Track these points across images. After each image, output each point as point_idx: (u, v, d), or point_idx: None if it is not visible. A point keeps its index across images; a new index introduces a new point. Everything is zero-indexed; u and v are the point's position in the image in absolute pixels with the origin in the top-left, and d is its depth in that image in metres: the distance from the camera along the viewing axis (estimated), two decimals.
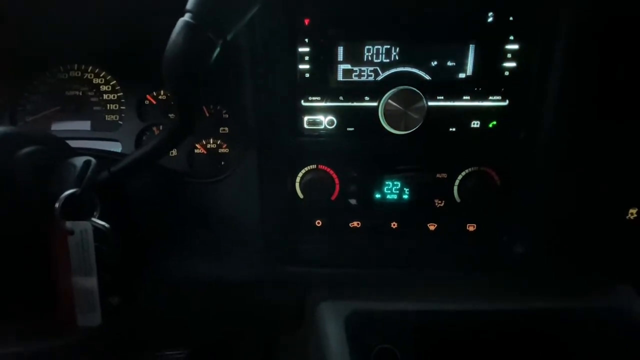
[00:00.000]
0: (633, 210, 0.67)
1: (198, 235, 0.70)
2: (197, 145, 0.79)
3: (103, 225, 0.50)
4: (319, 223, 0.72)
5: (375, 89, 0.64)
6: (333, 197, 0.70)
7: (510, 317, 0.72)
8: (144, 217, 0.67)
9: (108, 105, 0.81)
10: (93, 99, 0.81)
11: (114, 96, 0.81)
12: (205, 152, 0.79)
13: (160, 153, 0.56)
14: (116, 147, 0.79)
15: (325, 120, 0.66)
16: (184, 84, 0.48)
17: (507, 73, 0.63)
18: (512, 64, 0.63)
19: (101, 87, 0.81)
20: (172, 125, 0.54)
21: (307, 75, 0.64)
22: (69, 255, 0.48)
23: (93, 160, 0.50)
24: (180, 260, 0.70)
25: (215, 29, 0.46)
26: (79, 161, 0.50)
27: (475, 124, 0.65)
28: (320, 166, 0.69)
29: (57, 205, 0.48)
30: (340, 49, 0.63)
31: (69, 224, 0.49)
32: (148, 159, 0.56)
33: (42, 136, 0.52)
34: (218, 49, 0.47)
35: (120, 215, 0.57)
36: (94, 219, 0.50)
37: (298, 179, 0.69)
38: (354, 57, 0.63)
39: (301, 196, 0.69)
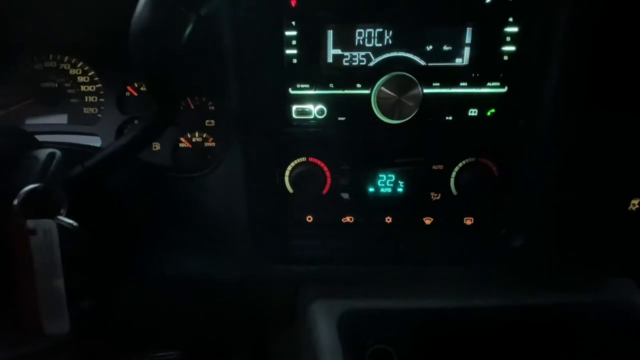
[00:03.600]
0: (635, 201, 0.65)
1: (184, 232, 0.67)
2: (182, 139, 0.77)
3: (70, 224, 0.46)
4: (309, 219, 0.70)
5: (367, 76, 0.60)
6: (324, 191, 0.67)
7: (509, 312, 0.70)
8: (127, 214, 0.64)
9: (86, 97, 0.78)
10: (70, 91, 0.77)
11: (92, 88, 0.77)
12: (190, 146, 0.77)
13: (138, 146, 0.53)
14: (95, 141, 0.77)
15: (315, 110, 0.63)
16: (155, 64, 0.45)
17: (506, 58, 0.60)
18: (512, 48, 0.60)
19: (78, 78, 0.77)
20: (149, 116, 0.51)
21: (295, 61, 0.61)
22: (32, 257, 0.44)
23: (58, 152, 0.47)
24: (166, 258, 0.68)
25: (186, 1, 0.42)
26: (42, 154, 0.46)
27: (473, 112, 0.63)
28: (310, 159, 0.66)
29: (15, 202, 0.44)
30: (330, 33, 0.60)
31: (30, 223, 0.45)
32: (125, 153, 0.53)
33: (2, 128, 0.48)
34: (191, 25, 0.43)
35: (96, 212, 0.53)
36: (60, 217, 0.46)
37: (287, 173, 0.66)
38: (345, 41, 0.60)
39: (290, 190, 0.67)
